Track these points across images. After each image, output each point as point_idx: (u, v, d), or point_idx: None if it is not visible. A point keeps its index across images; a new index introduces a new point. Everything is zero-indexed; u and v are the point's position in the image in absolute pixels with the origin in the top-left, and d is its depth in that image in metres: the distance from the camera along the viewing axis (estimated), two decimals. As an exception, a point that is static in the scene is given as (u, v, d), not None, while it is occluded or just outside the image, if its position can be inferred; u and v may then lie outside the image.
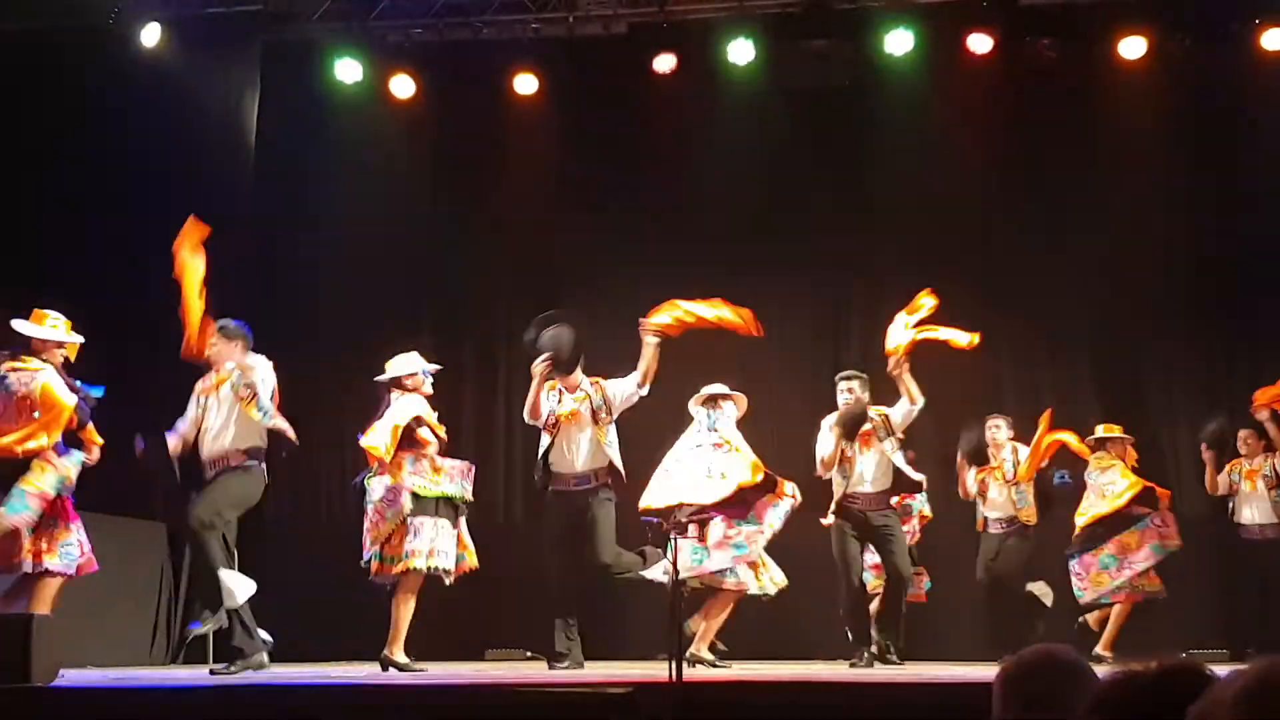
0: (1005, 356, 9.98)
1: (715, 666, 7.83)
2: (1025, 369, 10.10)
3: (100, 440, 6.89)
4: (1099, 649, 8.46)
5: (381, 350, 8.78)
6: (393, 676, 6.72)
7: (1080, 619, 8.85)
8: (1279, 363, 9.27)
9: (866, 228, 10.18)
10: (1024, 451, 8.77)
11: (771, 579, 7.94)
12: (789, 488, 7.74)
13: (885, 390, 8.02)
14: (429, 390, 7.30)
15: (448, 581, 7.10)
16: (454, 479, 7.15)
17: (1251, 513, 8.81)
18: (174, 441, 6.85)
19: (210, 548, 6.54)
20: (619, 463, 7.39)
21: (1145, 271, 9.75)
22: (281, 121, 10.45)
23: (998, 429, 8.95)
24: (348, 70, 10.23)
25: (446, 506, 7.10)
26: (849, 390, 8.04)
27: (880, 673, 7.32)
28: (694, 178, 10.32)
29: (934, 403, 8.07)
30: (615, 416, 7.46)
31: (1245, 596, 8.99)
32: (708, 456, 7.62)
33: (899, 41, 9.74)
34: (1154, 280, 9.77)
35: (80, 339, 6.81)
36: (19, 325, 6.65)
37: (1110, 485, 8.70)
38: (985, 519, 8.99)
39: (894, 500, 8.13)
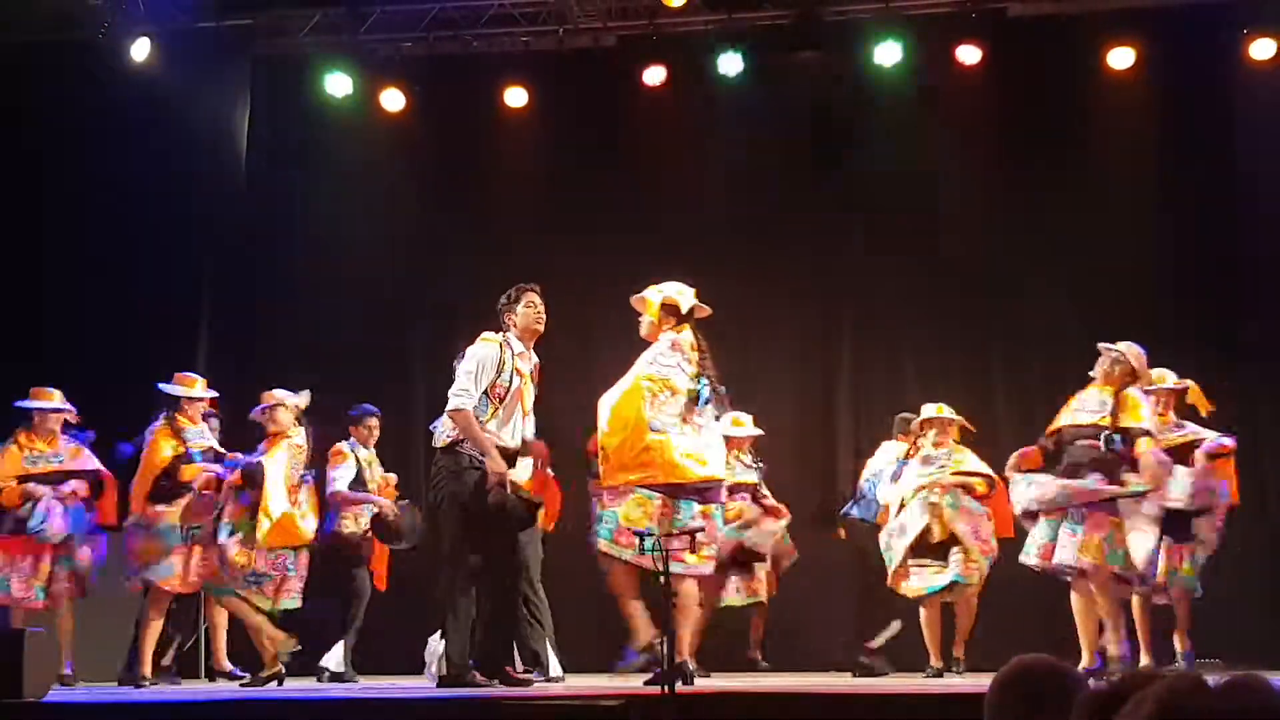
0: (997, 364, 9.96)
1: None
2: (1016, 377, 10.06)
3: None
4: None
5: (372, 365, 8.75)
6: (388, 689, 6.70)
7: None
8: (1271, 369, 9.30)
9: (856, 238, 10.17)
10: None
11: None
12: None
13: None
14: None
15: None
16: None
17: None
18: None
19: None
20: None
21: (1137, 281, 9.75)
22: (272, 135, 10.46)
23: None
24: (338, 84, 10.21)
25: None
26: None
27: (873, 684, 7.32)
28: (684, 190, 10.31)
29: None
30: None
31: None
32: None
33: (888, 53, 9.76)
34: (1146, 289, 9.77)
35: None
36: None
37: None
38: None
39: None
